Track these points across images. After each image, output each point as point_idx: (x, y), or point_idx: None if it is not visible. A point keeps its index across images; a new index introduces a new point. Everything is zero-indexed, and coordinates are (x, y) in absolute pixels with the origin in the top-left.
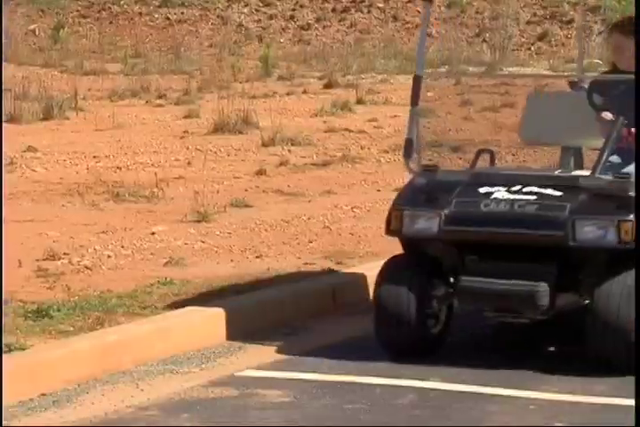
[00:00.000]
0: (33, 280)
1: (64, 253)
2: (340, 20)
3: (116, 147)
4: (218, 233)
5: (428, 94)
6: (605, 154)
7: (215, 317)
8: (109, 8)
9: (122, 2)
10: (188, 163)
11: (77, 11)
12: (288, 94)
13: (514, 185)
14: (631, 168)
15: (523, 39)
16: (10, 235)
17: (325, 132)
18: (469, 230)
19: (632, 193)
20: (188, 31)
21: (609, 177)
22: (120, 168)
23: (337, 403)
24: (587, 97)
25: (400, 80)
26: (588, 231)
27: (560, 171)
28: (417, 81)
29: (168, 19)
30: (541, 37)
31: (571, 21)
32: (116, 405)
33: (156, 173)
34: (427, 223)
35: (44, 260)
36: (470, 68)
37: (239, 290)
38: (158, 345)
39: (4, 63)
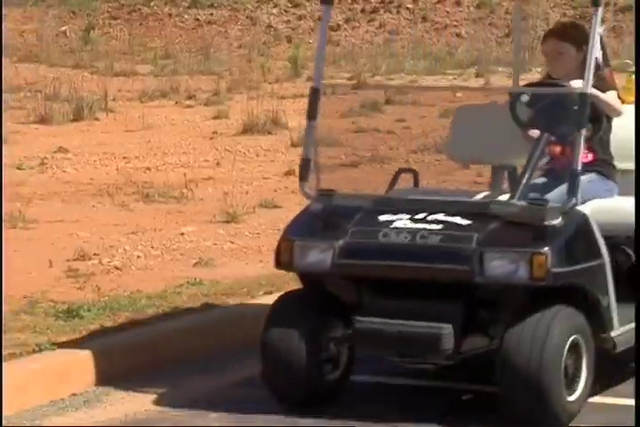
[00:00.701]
0: (63, 280)
1: (94, 254)
2: (369, 21)
3: (145, 147)
4: (247, 234)
5: (457, 95)
6: (526, 177)
7: (241, 317)
8: (139, 9)
9: (152, 3)
10: (217, 163)
11: (108, 12)
12: None
13: (419, 212)
14: (556, 193)
15: None
16: (41, 235)
17: (354, 132)
18: (365, 264)
19: (550, 222)
20: (217, 32)
21: (522, 203)
22: (150, 169)
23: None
24: (510, 112)
25: (429, 81)
26: (497, 266)
27: (474, 196)
28: (314, 93)
29: (197, 20)
30: None
31: (601, 21)
32: (147, 405)
33: (185, 174)
34: (320, 256)
35: (74, 260)
36: (499, 69)
37: (268, 291)
38: (190, 345)
39: (35, 64)
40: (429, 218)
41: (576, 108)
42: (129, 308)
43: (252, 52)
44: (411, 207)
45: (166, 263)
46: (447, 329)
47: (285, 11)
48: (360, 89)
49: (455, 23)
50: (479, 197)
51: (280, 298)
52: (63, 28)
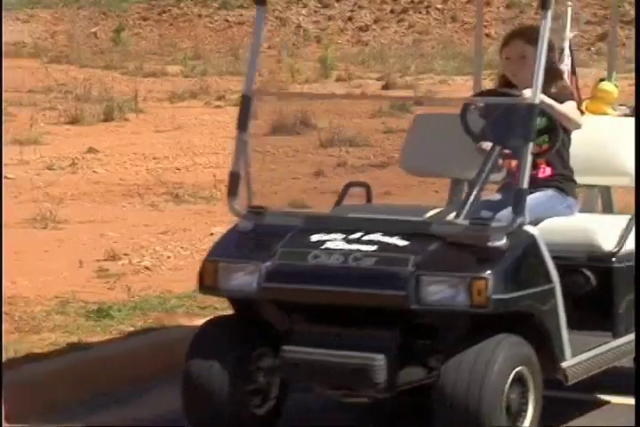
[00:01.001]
0: (94, 281)
1: (124, 254)
2: (398, 21)
3: (175, 148)
4: None
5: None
6: (473, 193)
7: None
8: (169, 10)
9: (182, 4)
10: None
11: (138, 13)
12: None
13: (355, 232)
14: (509, 211)
15: (583, 40)
16: (71, 236)
17: (384, 133)
18: (292, 288)
19: (494, 243)
20: (246, 33)
21: (465, 223)
22: (179, 169)
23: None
24: (461, 122)
25: (459, 81)
26: (435, 291)
27: (427, 212)
28: (246, 101)
29: (227, 20)
30: (602, 38)
31: (632, 21)
32: (177, 405)
33: (214, 175)
34: (245, 279)
35: (104, 260)
36: None
37: None
38: None
39: (65, 65)
40: (365, 238)
41: (525, 119)
42: (159, 308)
43: (282, 53)
44: (347, 226)
45: (196, 263)
46: (380, 360)
47: (315, 11)
48: (286, 98)
49: (485, 23)
50: (430, 214)
51: (205, 324)
52: (94, 29)
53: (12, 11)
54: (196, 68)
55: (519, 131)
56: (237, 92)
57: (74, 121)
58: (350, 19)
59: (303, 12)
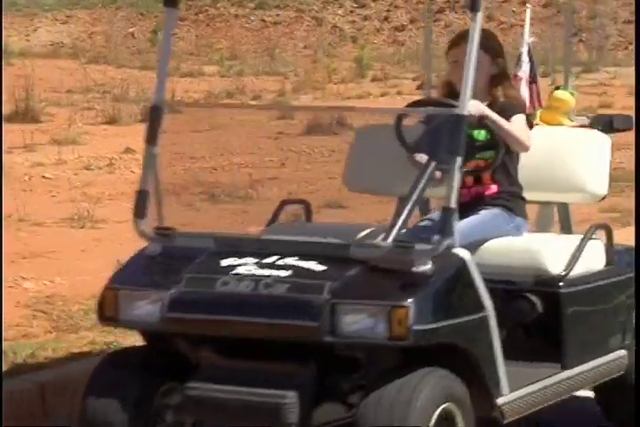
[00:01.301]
0: None
1: None
2: (434, 21)
3: (212, 148)
4: None
5: None
6: (404, 213)
7: None
8: (206, 10)
9: (218, 4)
10: (282, 164)
11: None
12: (382, 95)
13: (270, 255)
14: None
15: (620, 39)
16: (109, 235)
17: None
18: (197, 319)
19: (420, 267)
20: (283, 33)
21: (388, 245)
22: (216, 169)
23: None
24: (395, 134)
25: None
26: (351, 321)
27: (359, 232)
28: (155, 113)
29: (264, 21)
30: None
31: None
32: None
33: (250, 174)
34: (148, 308)
35: None
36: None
37: None
38: None
39: (103, 66)
40: (280, 262)
41: (452, 131)
42: None
43: (318, 53)
44: (262, 249)
45: None
46: (292, 398)
47: (351, 11)
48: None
49: (521, 22)
50: (362, 234)
51: (107, 356)
52: (131, 30)
53: (50, 11)
54: (233, 68)
55: (448, 144)
56: (273, 92)
57: (111, 121)
58: (386, 18)
59: (339, 12)
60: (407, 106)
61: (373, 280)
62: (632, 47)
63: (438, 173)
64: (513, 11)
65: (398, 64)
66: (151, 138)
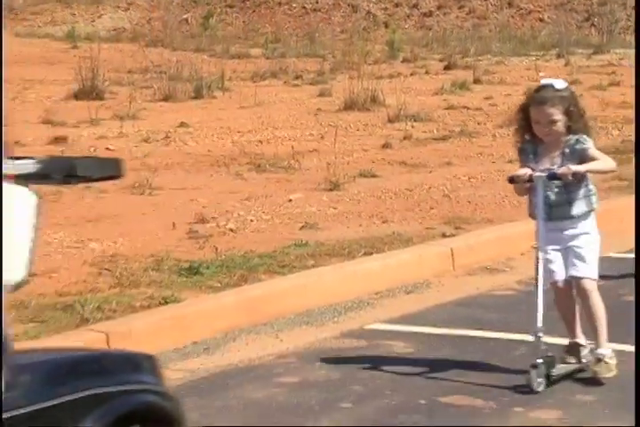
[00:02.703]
0: (185, 241)
1: (212, 218)
2: (459, 8)
3: (257, 122)
4: (348, 200)
5: (540, 74)
6: None
7: (346, 275)
8: None
9: None
10: (321, 137)
11: (225, 1)
12: (411, 75)
13: None
14: None
15: (629, 23)
16: (165, 201)
17: (445, 109)
18: None
19: None
20: (321, 19)
21: None
22: (261, 142)
23: (455, 354)
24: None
25: (514, 62)
26: None
27: None
28: None
29: (304, 8)
30: None
31: None
32: (259, 353)
33: (292, 147)
34: None
35: (194, 223)
36: (579, 50)
37: (367, 252)
38: (295, 300)
39: (160, 48)
40: None
41: None
42: (243, 266)
43: (353, 37)
44: None
45: (276, 226)
46: None
47: None
48: None
49: (539, 9)
50: None
51: None
52: (185, 16)
53: (113, 0)
54: (276, 50)
55: None
56: (313, 72)
57: (167, 98)
58: (415, 5)
59: None
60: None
61: None
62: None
63: None
64: None
65: (426, 46)
66: None
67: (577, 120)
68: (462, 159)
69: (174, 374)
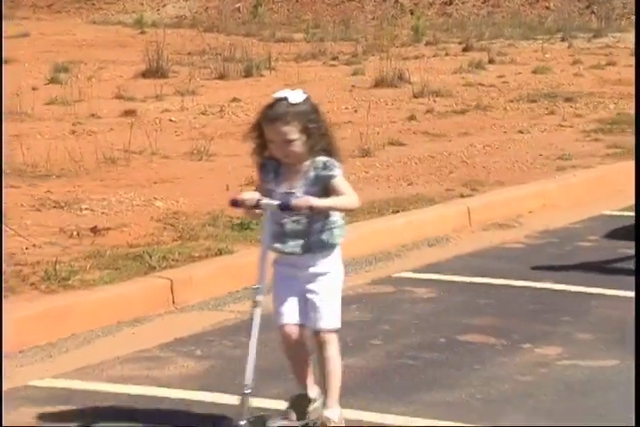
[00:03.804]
0: None
1: None
2: None
3: None
4: (378, 165)
5: (546, 56)
6: None
7: (376, 230)
8: None
9: None
10: (355, 110)
11: None
12: (434, 56)
13: None
14: None
15: (625, 10)
16: (220, 166)
17: (463, 86)
18: None
19: None
20: (355, 7)
21: None
22: None
23: (471, 299)
24: None
25: (523, 45)
26: None
27: None
28: None
29: None
30: None
31: None
32: None
33: (330, 119)
34: None
35: (245, 185)
36: (580, 35)
37: (395, 210)
38: None
39: (215, 33)
40: None
41: None
42: None
43: (383, 23)
44: None
45: None
46: None
47: None
48: None
49: None
50: None
51: None
52: (237, 5)
53: None
54: (316, 35)
55: None
56: (348, 54)
57: (221, 77)
58: None
59: None
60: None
61: None
62: (634, 17)
63: None
64: None
65: (446, 31)
66: None
67: (318, 139)
68: (478, 130)
69: (228, 315)
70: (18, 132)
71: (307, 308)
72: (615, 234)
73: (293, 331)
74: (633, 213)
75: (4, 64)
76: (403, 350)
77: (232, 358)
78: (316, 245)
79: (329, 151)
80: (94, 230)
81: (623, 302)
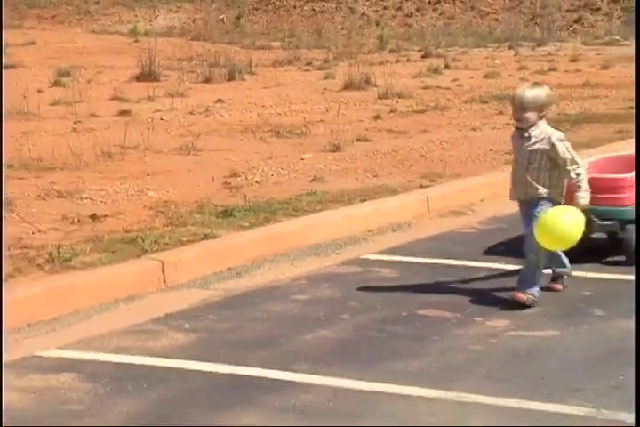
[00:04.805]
0: (221, 191)
1: (242, 172)
2: (433, 10)
3: (277, 99)
4: (347, 159)
5: (496, 62)
6: None
7: (345, 217)
8: (273, 3)
9: None
10: (326, 110)
11: (252, 5)
12: (396, 62)
13: None
14: None
15: (563, 22)
16: (205, 160)
17: (422, 88)
18: None
19: None
20: (327, 18)
21: None
22: (280, 114)
23: (430, 278)
24: None
25: (475, 52)
26: None
27: None
28: None
29: (314, 10)
30: (577, 21)
31: (598, 9)
32: (278, 276)
33: (304, 118)
34: None
35: (228, 177)
36: (525, 43)
37: (362, 199)
38: (306, 236)
39: (202, 42)
40: None
41: None
42: (266, 210)
43: (352, 33)
44: None
45: (291, 179)
46: None
47: (375, 3)
48: None
49: (494, 11)
50: None
51: None
52: (221, 17)
53: (166, 4)
54: (292, 43)
55: None
56: (320, 60)
57: (207, 80)
58: (400, 8)
59: (367, 3)
60: None
61: None
62: (572, 28)
63: None
64: (489, 2)
65: (408, 40)
66: None
67: None
68: (435, 128)
69: (214, 293)
70: (25, 130)
71: None
72: None
73: None
74: None
75: (12, 69)
76: (369, 324)
77: (217, 331)
78: None
79: None
80: (93, 217)
81: (565, 280)
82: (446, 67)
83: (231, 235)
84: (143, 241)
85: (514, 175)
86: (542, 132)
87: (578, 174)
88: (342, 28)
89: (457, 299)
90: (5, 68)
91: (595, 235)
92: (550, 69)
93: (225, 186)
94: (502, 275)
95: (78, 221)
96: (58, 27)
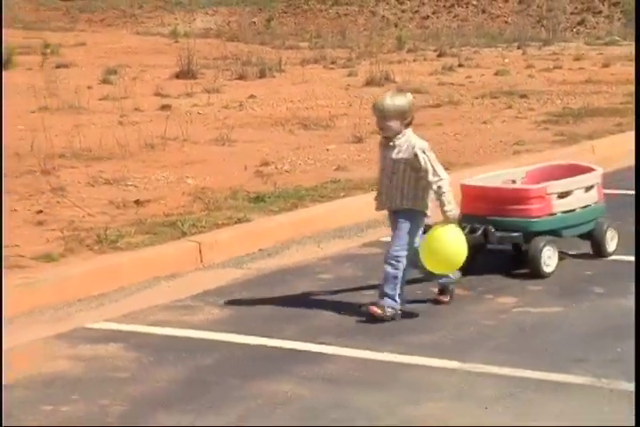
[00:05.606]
0: (253, 179)
1: (272, 162)
2: (447, 13)
3: (304, 95)
4: (368, 150)
5: (505, 61)
6: None
7: (367, 203)
8: (301, 6)
9: (309, 2)
10: (350, 105)
11: (282, 9)
12: (413, 61)
13: None
14: None
15: (568, 24)
16: (239, 150)
17: (437, 85)
18: None
19: None
20: (350, 21)
21: None
22: (307, 108)
23: None
24: None
25: (486, 52)
26: None
27: None
28: None
29: (338, 13)
30: (580, 23)
31: (600, 12)
32: (306, 257)
33: (329, 112)
34: None
35: (260, 166)
36: (532, 43)
37: None
38: (331, 220)
39: (236, 42)
40: None
41: None
42: (294, 196)
43: (372, 34)
44: None
45: (317, 168)
46: None
47: (394, 6)
48: None
49: (505, 14)
50: None
51: None
52: (254, 19)
53: (203, 8)
54: (318, 43)
55: None
56: (344, 59)
57: (241, 77)
58: (417, 11)
59: (386, 6)
60: None
61: None
62: (575, 29)
63: None
64: (499, 6)
65: (424, 41)
66: None
67: None
68: (450, 121)
69: (247, 272)
70: (76, 123)
71: None
72: None
73: None
74: None
75: (65, 68)
76: None
77: (249, 307)
78: None
79: None
80: (137, 203)
81: (568, 260)
82: (460, 65)
83: (262, 219)
84: (182, 224)
85: (379, 185)
86: (407, 141)
87: (439, 187)
88: (364, 30)
89: (468, 277)
90: (59, 67)
91: (491, 246)
92: (555, 67)
93: (257, 174)
94: (513, 256)
95: (124, 205)
96: (106, 29)
